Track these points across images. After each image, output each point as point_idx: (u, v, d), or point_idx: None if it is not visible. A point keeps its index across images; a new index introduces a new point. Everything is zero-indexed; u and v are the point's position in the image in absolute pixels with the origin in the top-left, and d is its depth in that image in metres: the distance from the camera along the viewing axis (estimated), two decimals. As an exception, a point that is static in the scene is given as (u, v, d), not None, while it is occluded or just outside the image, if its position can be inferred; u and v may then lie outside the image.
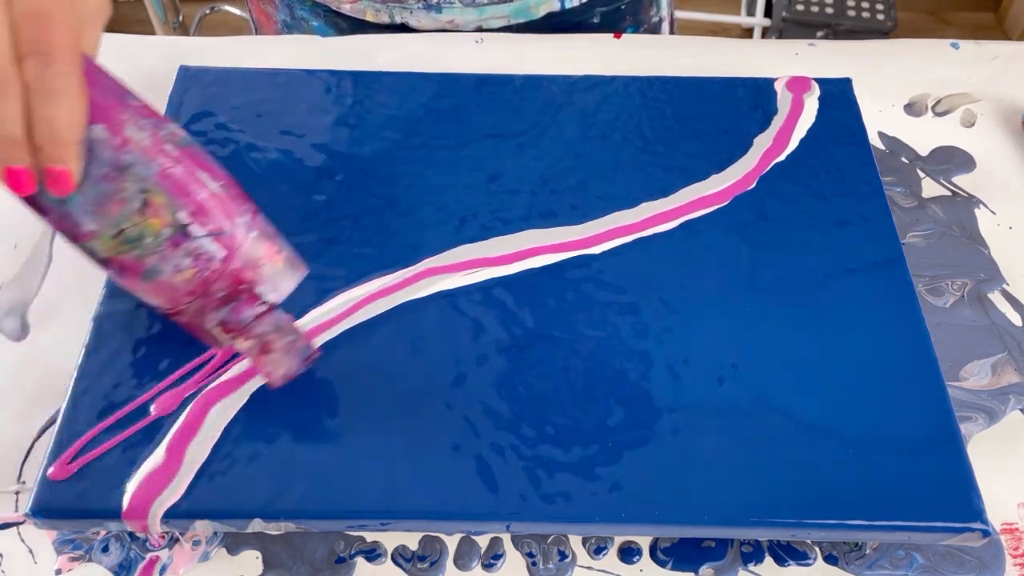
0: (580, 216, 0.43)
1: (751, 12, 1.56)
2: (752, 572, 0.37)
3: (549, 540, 0.38)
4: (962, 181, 0.50)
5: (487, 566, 0.37)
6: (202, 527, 0.35)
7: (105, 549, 0.37)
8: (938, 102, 0.54)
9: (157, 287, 0.32)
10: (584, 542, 0.38)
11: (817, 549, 0.38)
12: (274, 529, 0.35)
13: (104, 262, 0.32)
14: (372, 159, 0.45)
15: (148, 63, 0.54)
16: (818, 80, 0.49)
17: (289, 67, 0.50)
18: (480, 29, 0.57)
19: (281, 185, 0.44)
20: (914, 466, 0.35)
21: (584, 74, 0.50)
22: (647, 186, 0.44)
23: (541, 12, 0.57)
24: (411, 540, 0.38)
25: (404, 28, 0.57)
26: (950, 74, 0.55)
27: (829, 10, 1.44)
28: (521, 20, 0.57)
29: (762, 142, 0.46)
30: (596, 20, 0.60)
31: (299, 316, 0.39)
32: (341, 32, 0.59)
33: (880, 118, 0.53)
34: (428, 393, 0.37)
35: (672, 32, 0.67)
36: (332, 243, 0.42)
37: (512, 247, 0.42)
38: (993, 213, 0.49)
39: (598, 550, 0.37)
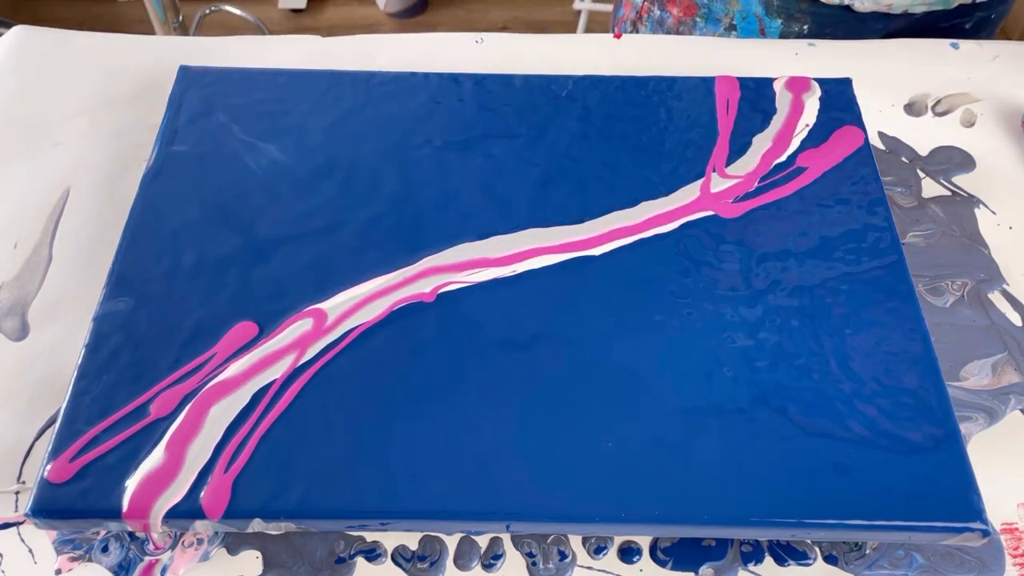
0: (580, 216, 0.43)
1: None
2: (752, 572, 0.37)
3: (549, 540, 0.38)
4: (962, 181, 0.50)
5: (487, 566, 0.37)
6: (202, 527, 0.35)
7: (105, 549, 0.37)
8: (938, 102, 0.54)
9: None
10: (584, 542, 0.38)
11: (817, 549, 0.38)
12: (274, 529, 0.35)
13: None
14: (372, 159, 0.45)
15: (148, 63, 0.54)
16: (818, 80, 0.49)
17: (289, 67, 0.50)
18: (906, 13, 0.62)
19: (281, 185, 0.44)
20: (914, 466, 0.35)
21: (584, 74, 0.50)
22: (647, 186, 0.44)
23: (955, 3, 0.62)
24: (411, 540, 0.38)
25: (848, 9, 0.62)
26: (950, 74, 0.55)
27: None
28: (939, 8, 0.62)
29: (762, 142, 0.46)
30: (969, 25, 0.66)
31: (298, 316, 0.39)
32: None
33: (880, 118, 0.53)
34: (428, 393, 0.37)
35: None
36: (332, 243, 0.42)
37: (512, 247, 0.42)
38: (993, 213, 0.49)
39: (598, 550, 0.37)
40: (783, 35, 0.63)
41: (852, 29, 0.63)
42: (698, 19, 0.64)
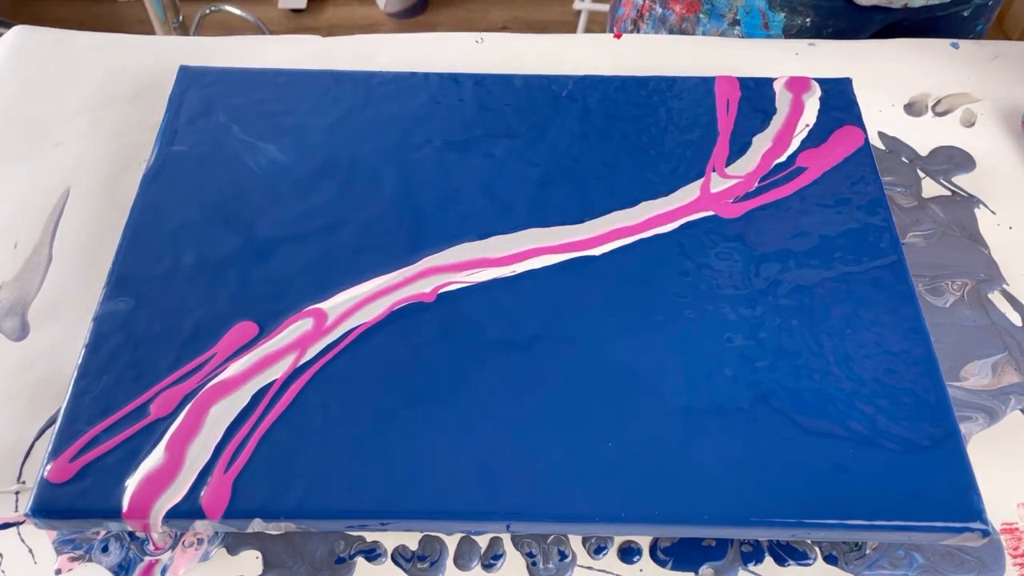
0: (580, 216, 0.43)
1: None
2: (752, 572, 0.37)
3: (549, 540, 0.38)
4: (962, 181, 0.50)
5: (487, 566, 0.37)
6: (202, 526, 0.35)
7: (105, 549, 0.37)
8: (938, 102, 0.54)
9: None
10: (584, 542, 0.38)
11: (817, 549, 0.38)
12: (274, 529, 0.35)
13: None
14: (372, 159, 0.45)
15: (148, 63, 0.54)
16: (818, 80, 0.49)
17: (289, 67, 0.50)
18: (905, 7, 0.63)
19: (281, 185, 0.44)
20: (914, 466, 0.35)
21: (584, 74, 0.50)
22: (647, 186, 0.44)
23: None
24: (411, 540, 0.38)
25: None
26: (950, 74, 0.55)
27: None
28: (936, 2, 0.62)
29: (761, 142, 0.46)
30: (967, 13, 0.66)
31: (298, 316, 0.39)
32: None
33: (880, 118, 0.53)
34: (428, 393, 0.37)
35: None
36: (332, 243, 0.42)
37: (512, 247, 0.42)
38: (993, 213, 0.49)
39: (598, 550, 0.37)
40: (786, 28, 0.63)
41: (854, 21, 0.63)
42: (701, 15, 0.64)
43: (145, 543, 0.37)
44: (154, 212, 0.43)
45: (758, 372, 0.38)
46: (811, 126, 0.47)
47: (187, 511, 0.34)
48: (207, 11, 1.36)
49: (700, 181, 0.45)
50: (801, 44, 0.56)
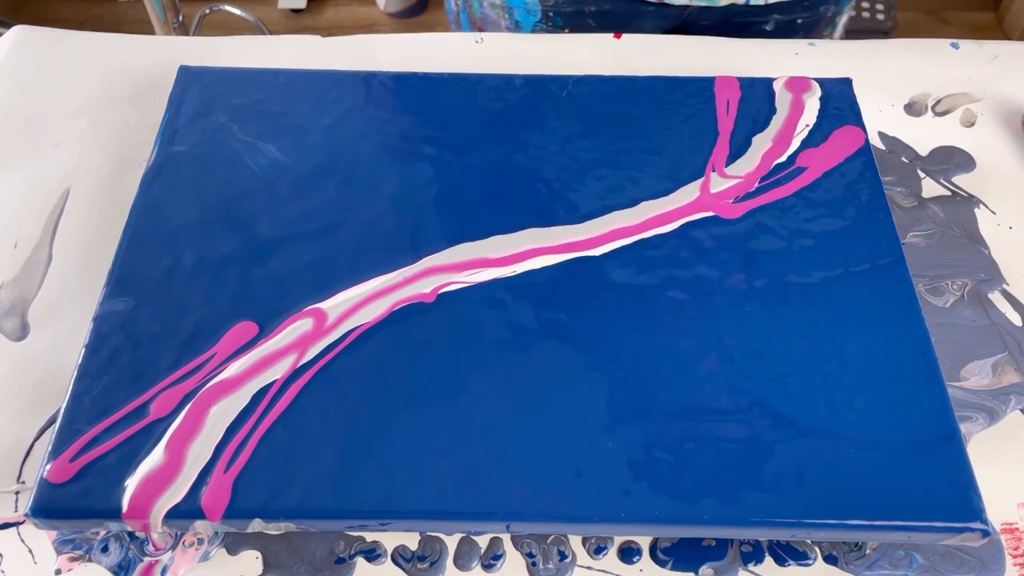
0: (580, 216, 0.43)
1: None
2: (752, 572, 0.37)
3: (549, 540, 0.38)
4: (962, 181, 0.50)
5: (487, 566, 0.37)
6: (202, 527, 0.35)
7: (105, 549, 0.37)
8: (938, 102, 0.54)
9: None
10: (584, 542, 0.38)
11: (817, 549, 0.38)
12: (274, 529, 0.35)
13: None
14: (372, 159, 0.45)
15: (148, 63, 0.54)
16: (818, 80, 0.49)
17: (289, 67, 0.50)
18: (662, 4, 0.61)
19: (281, 185, 0.44)
20: (914, 466, 0.35)
21: (584, 74, 0.50)
22: (647, 186, 0.44)
23: (723, 2, 0.60)
24: (411, 540, 0.38)
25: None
26: (950, 74, 0.55)
27: (829, 10, 1.43)
28: (703, 3, 0.60)
29: (761, 142, 0.46)
30: (769, 27, 0.63)
31: (298, 316, 0.39)
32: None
33: (880, 118, 0.53)
34: (428, 393, 0.37)
35: None
36: (332, 243, 0.42)
37: (512, 247, 0.42)
38: (993, 213, 0.49)
39: (598, 550, 0.37)
40: None
41: (616, 6, 0.61)
42: None
43: (145, 543, 0.37)
44: (154, 212, 0.43)
45: (758, 372, 0.38)
46: (811, 126, 0.47)
47: (187, 511, 0.34)
48: (207, 11, 1.36)
49: (700, 181, 0.45)
50: (801, 44, 0.56)
